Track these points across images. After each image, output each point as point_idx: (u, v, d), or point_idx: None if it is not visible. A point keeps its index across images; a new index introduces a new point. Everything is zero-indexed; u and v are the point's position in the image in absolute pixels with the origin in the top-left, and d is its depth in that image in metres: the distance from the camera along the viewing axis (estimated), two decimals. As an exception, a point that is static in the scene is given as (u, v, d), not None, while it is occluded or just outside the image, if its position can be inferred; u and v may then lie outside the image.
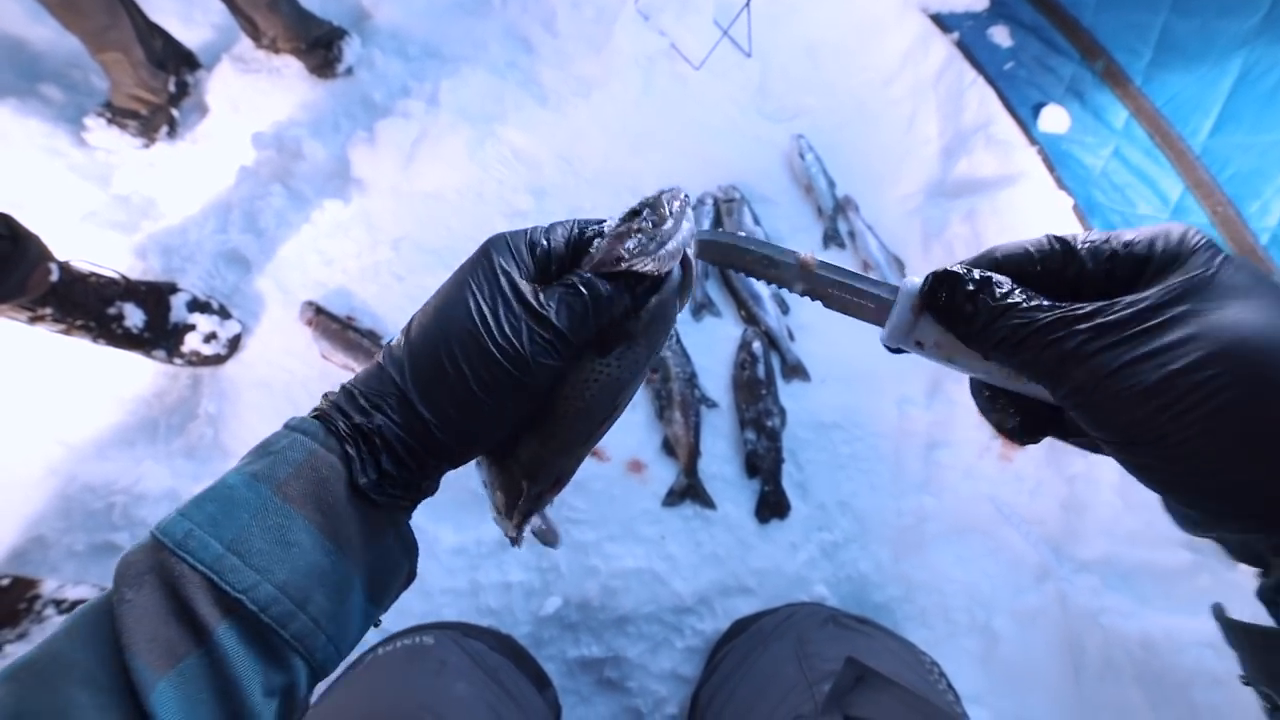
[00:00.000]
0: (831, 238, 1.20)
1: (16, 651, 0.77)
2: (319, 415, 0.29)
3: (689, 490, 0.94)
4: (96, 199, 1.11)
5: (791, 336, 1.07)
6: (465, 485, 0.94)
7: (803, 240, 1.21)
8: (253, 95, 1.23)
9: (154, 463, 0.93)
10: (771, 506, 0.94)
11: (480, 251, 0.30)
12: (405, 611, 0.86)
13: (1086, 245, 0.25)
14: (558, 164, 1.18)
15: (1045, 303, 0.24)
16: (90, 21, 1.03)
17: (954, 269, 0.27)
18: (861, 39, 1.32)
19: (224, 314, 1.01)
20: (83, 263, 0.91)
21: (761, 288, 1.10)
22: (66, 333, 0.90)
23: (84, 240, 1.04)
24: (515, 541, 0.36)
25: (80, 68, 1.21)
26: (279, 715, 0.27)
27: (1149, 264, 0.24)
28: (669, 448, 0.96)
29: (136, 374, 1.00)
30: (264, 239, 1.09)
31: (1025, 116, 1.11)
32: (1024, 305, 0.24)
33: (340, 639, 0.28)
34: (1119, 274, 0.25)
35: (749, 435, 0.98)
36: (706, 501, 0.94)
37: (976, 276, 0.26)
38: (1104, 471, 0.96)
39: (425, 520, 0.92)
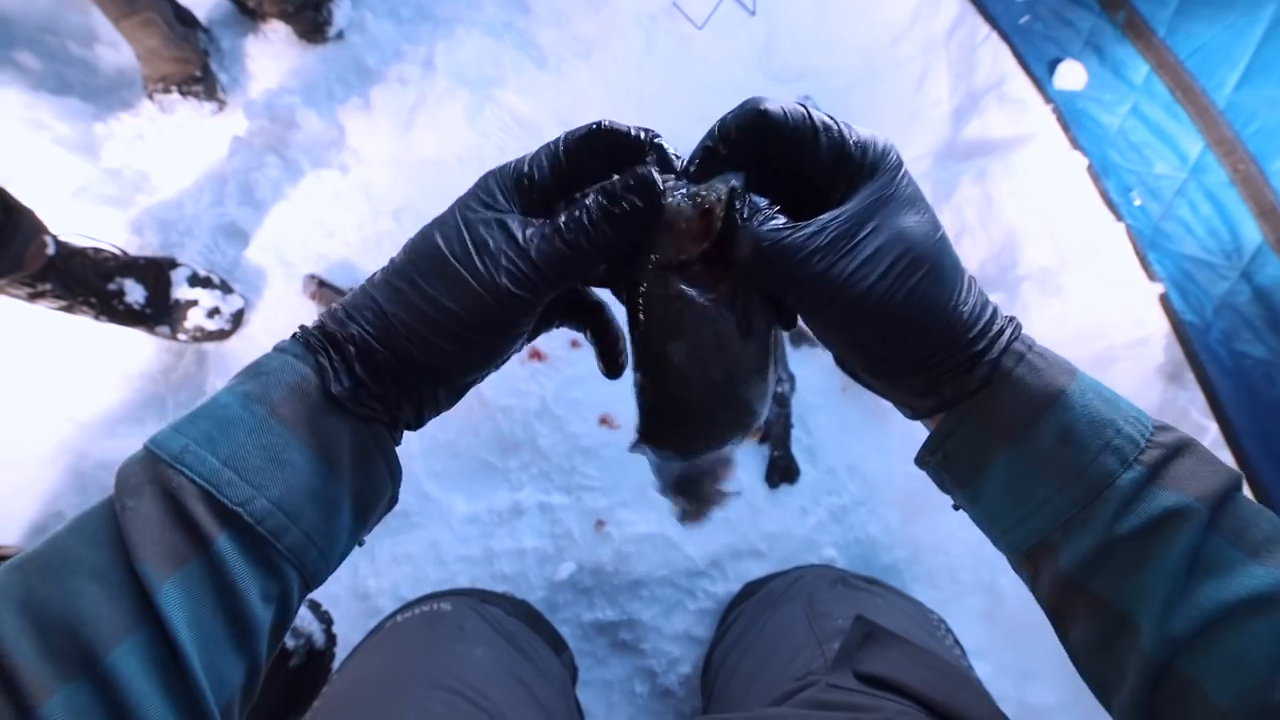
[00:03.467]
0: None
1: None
2: (299, 333, 0.30)
3: (699, 458, 0.94)
4: (86, 173, 1.08)
5: (799, 303, 1.06)
6: (476, 454, 0.95)
7: (810, 205, 1.18)
8: (241, 62, 1.18)
9: (164, 439, 0.93)
10: (781, 471, 0.95)
11: (476, 183, 0.30)
12: (421, 580, 0.88)
13: (827, 135, 0.29)
14: (559, 128, 1.14)
15: (780, 224, 0.28)
16: None
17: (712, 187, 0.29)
18: (871, -7, 1.27)
19: (226, 289, 1.00)
20: (77, 237, 0.89)
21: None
22: (68, 310, 0.89)
23: (77, 216, 1.02)
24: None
25: (55, 33, 1.16)
26: (275, 621, 0.28)
27: (861, 169, 0.29)
28: (678, 416, 0.96)
29: (142, 351, 0.99)
30: (262, 212, 1.07)
31: (1040, 74, 1.07)
32: (766, 230, 0.28)
33: (330, 553, 0.30)
34: (840, 170, 0.29)
35: (758, 403, 0.98)
36: (717, 468, 0.94)
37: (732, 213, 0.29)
38: (1111, 433, 0.96)
39: (438, 490, 0.93)
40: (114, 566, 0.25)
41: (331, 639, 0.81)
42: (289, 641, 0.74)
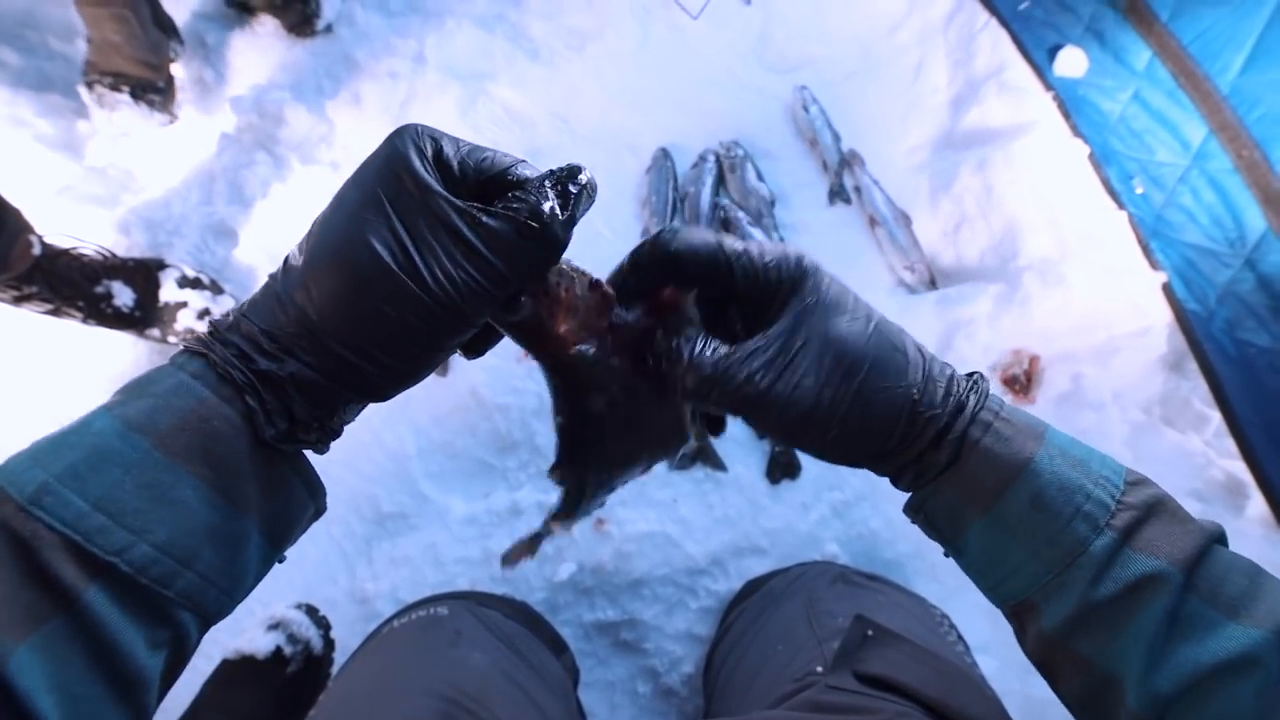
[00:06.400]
0: (837, 193, 1.16)
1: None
2: (204, 353, 0.26)
3: (700, 453, 0.92)
4: (70, 172, 1.06)
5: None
6: (473, 455, 0.94)
7: (807, 196, 1.17)
8: (228, 57, 1.16)
9: (156, 442, 0.92)
10: (782, 467, 0.94)
11: (388, 155, 0.26)
12: (420, 582, 0.87)
13: (740, 265, 0.30)
14: (553, 122, 1.13)
15: (716, 352, 0.30)
16: None
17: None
18: (867, -20, 1.25)
19: (216, 289, 0.98)
20: (63, 238, 0.88)
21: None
22: (55, 313, 0.87)
23: (62, 216, 1.00)
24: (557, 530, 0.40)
25: (35, 28, 1.14)
26: (167, 665, 0.26)
27: (780, 286, 0.30)
28: (677, 413, 0.95)
29: (131, 354, 0.98)
30: (252, 210, 1.05)
31: (1040, 60, 1.06)
32: (699, 360, 0.29)
33: (234, 589, 0.27)
34: (758, 295, 0.30)
35: (757, 398, 0.97)
36: (717, 464, 0.92)
37: (671, 345, 0.31)
38: (1114, 425, 0.96)
39: (435, 491, 0.92)
40: None
41: (329, 644, 0.80)
42: (286, 649, 0.73)
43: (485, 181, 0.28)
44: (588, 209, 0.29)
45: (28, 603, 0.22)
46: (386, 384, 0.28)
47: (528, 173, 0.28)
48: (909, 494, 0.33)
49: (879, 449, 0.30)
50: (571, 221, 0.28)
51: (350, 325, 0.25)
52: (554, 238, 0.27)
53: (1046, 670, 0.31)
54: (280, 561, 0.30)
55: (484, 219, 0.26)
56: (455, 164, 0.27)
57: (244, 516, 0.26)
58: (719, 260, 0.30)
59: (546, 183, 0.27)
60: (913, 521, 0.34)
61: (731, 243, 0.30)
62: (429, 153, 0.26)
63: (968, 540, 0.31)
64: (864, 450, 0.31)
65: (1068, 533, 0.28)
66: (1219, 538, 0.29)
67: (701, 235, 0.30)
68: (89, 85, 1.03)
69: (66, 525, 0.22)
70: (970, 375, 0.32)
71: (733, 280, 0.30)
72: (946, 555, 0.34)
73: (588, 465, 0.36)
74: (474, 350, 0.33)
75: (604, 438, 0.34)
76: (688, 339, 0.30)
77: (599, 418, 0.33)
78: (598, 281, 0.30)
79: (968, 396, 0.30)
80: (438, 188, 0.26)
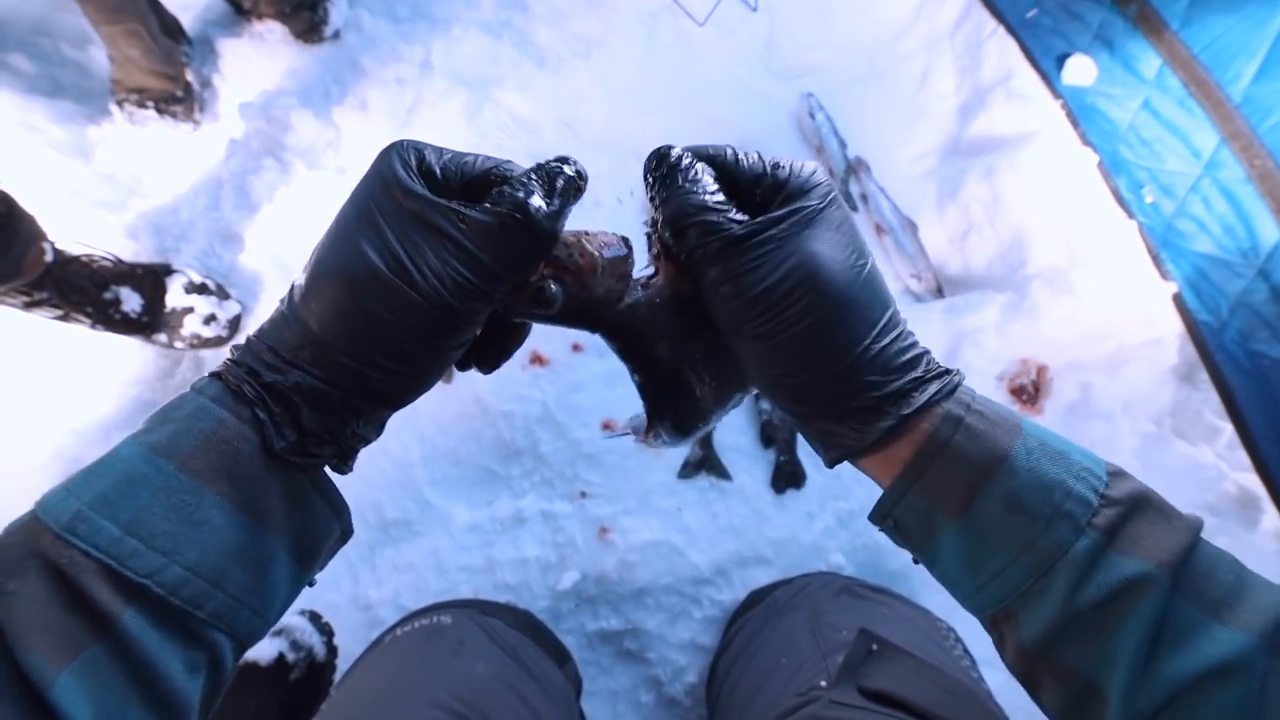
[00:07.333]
0: (844, 200, 1.16)
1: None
2: (223, 375, 0.27)
3: (704, 462, 0.93)
4: (81, 177, 1.07)
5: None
6: (477, 462, 0.94)
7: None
8: (236, 63, 1.17)
9: (162, 447, 0.92)
10: (787, 477, 0.94)
11: (376, 170, 0.27)
12: (422, 590, 0.87)
13: (745, 164, 0.29)
14: (559, 128, 1.13)
15: (718, 202, 0.28)
16: None
17: (671, 148, 0.30)
18: (874, -12, 1.25)
19: (222, 294, 0.98)
20: (74, 244, 0.88)
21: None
22: (64, 318, 0.88)
23: (73, 220, 1.00)
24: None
25: (48, 35, 1.15)
26: (206, 690, 0.26)
27: (784, 189, 0.29)
28: (682, 421, 0.95)
29: (138, 358, 0.98)
30: (258, 215, 1.06)
31: (1049, 69, 1.05)
32: (700, 199, 0.28)
33: (265, 610, 0.27)
34: (763, 195, 0.29)
35: (764, 406, 0.97)
36: (722, 473, 0.93)
37: (686, 161, 0.29)
38: (1124, 437, 0.95)
39: (439, 498, 0.92)
40: None
41: (332, 651, 0.80)
42: (289, 655, 0.73)
43: (470, 183, 0.29)
44: (576, 199, 0.29)
45: (68, 629, 0.22)
46: (391, 389, 0.28)
47: (513, 169, 0.29)
48: (877, 496, 0.31)
49: (799, 390, 0.28)
50: (557, 213, 0.28)
51: (348, 332, 0.26)
52: (537, 228, 0.27)
53: (1028, 683, 0.29)
54: (311, 585, 0.30)
55: (466, 214, 0.26)
56: (438, 169, 0.28)
57: (269, 535, 0.26)
58: (724, 155, 0.29)
59: (531, 176, 0.28)
60: (879, 529, 0.31)
61: (742, 149, 0.30)
62: (413, 162, 0.27)
63: (940, 546, 0.29)
64: (787, 384, 0.29)
65: (1048, 535, 0.26)
66: (1200, 530, 0.27)
67: (712, 145, 0.30)
68: (119, 104, 1.07)
69: (100, 550, 0.23)
70: (946, 370, 0.30)
71: (739, 176, 0.29)
72: (916, 562, 0.32)
73: (678, 416, 0.35)
74: (486, 363, 0.32)
75: (683, 384, 0.33)
76: (695, 179, 0.29)
77: (672, 364, 0.33)
78: (606, 234, 0.31)
79: (927, 383, 0.28)
80: (420, 190, 0.26)
